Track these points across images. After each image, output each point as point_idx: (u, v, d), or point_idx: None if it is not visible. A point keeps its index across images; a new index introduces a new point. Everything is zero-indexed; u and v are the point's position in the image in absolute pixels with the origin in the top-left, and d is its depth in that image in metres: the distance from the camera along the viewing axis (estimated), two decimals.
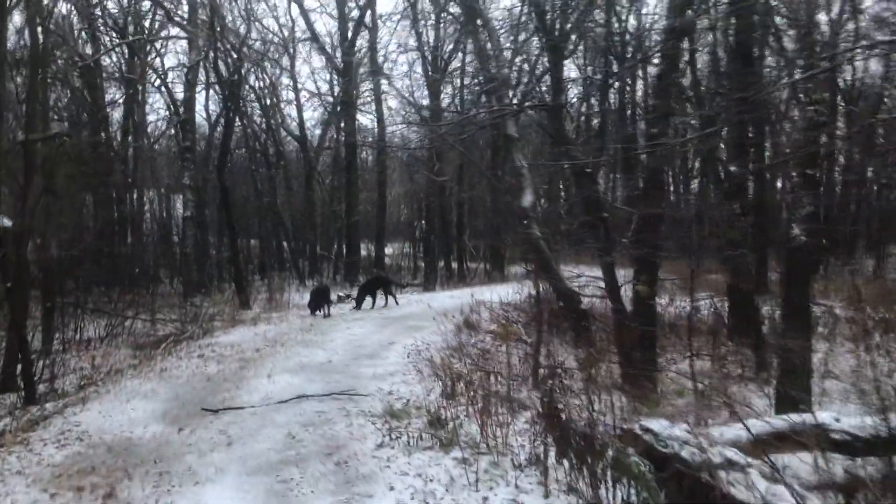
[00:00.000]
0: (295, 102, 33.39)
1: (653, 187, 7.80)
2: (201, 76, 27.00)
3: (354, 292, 16.61)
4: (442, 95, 27.75)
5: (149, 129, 30.92)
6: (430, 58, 27.90)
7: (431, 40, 28.18)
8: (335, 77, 34.02)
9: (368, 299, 15.63)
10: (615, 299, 8.40)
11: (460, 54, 28.60)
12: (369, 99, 31.86)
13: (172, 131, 27.19)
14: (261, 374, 8.41)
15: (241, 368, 8.85)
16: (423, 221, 35.39)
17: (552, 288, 11.66)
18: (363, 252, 32.05)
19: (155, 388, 7.79)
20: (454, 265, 29.91)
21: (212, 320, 14.39)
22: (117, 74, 26.00)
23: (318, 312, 14.67)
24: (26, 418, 7.27)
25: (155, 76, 26.33)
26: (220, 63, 20.89)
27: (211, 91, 29.12)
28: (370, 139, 33.12)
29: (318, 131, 35.09)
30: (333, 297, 16.38)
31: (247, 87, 27.69)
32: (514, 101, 11.18)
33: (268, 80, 31.16)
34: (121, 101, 26.14)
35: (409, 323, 12.69)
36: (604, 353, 10.55)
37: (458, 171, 28.45)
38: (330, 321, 13.02)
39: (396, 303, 15.55)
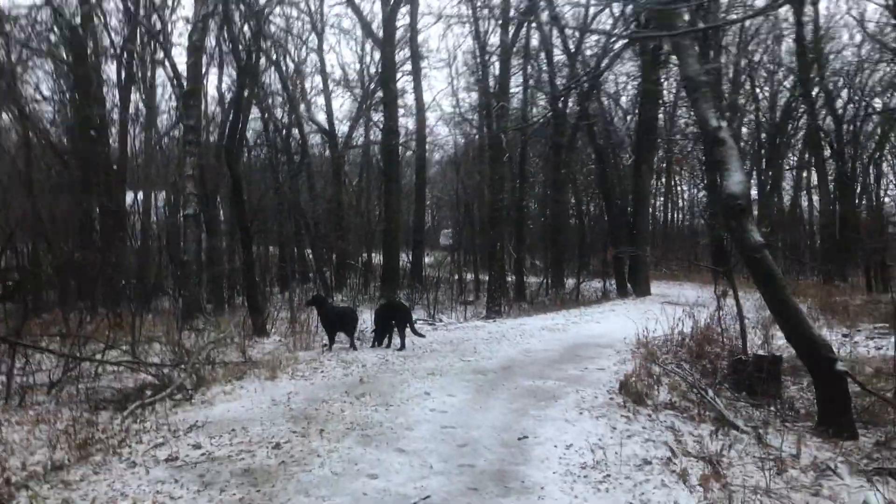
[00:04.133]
0: (322, 90, 29.15)
1: None
2: (216, 55, 22.91)
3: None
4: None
5: (161, 122, 26.77)
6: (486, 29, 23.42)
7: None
8: (367, 63, 29.84)
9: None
10: None
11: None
12: (408, 88, 27.63)
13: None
14: None
15: None
16: (466, 225, 30.84)
17: (784, 332, 6.92)
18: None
19: None
20: (510, 278, 25.07)
21: (211, 363, 9.80)
22: (112, 50, 21.83)
23: (378, 344, 11.00)
24: None
25: (159, 48, 22.04)
26: (235, 21, 16.41)
27: (225, 77, 24.86)
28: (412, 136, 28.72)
29: (344, 127, 30.75)
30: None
31: (269, 67, 23.42)
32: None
33: (291, 65, 26.94)
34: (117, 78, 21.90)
35: (520, 382, 7.94)
36: None
37: (517, 164, 23.61)
38: (395, 378, 8.31)
39: (402, 346, 10.46)
